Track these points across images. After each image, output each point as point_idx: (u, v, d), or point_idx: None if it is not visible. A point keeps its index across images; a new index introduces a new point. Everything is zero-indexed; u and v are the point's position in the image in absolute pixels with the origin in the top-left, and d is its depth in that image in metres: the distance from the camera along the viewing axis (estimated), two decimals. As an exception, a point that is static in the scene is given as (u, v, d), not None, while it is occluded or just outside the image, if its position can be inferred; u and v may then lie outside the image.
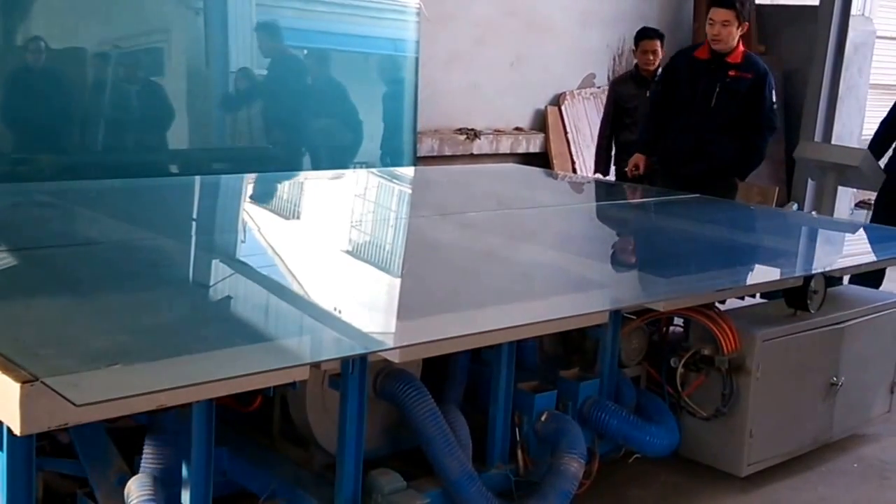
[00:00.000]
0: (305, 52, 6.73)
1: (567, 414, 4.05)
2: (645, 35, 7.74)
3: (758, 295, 4.87)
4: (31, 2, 5.57)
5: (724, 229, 5.98)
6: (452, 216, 5.48)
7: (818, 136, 9.63)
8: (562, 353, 4.47)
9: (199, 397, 2.88)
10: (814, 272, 4.58)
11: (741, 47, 6.36)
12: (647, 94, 7.32)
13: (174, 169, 6.15)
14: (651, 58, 7.59)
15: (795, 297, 4.58)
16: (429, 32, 7.76)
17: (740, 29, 6.23)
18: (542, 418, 3.96)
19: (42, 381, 2.44)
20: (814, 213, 8.02)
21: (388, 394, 3.61)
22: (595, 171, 8.08)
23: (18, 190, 5.39)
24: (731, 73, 6.27)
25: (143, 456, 3.42)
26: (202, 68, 6.25)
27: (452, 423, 3.69)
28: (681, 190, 6.34)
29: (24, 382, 2.43)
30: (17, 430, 2.48)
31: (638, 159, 6.80)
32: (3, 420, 2.59)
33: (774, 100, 6.38)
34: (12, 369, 2.51)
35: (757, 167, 6.70)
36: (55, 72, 5.65)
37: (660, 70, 7.33)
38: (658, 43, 7.67)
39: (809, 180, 9.32)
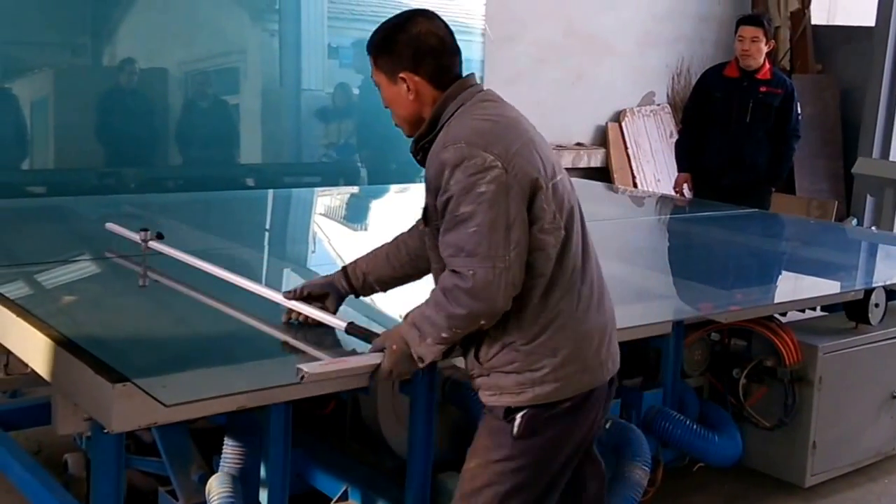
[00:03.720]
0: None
1: (631, 422, 4.06)
2: None
3: (818, 308, 4.87)
4: (120, 27, 5.74)
5: (784, 243, 6.01)
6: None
7: (876, 153, 9.59)
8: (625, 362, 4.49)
9: (277, 399, 2.95)
10: (875, 285, 4.60)
11: (768, 64, 6.57)
12: None
13: (249, 182, 6.29)
14: None
15: (856, 310, 4.60)
16: (493, 52, 7.85)
17: (767, 46, 6.47)
18: (607, 426, 3.93)
19: (133, 382, 2.53)
20: (874, 228, 7.99)
21: (457, 399, 3.64)
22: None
23: (107, 202, 5.51)
24: (763, 88, 6.46)
25: (223, 455, 3.51)
26: (276, 87, 6.37)
27: (518, 428, 3.74)
28: (717, 201, 6.46)
29: (116, 383, 2.53)
30: (109, 428, 2.58)
31: (685, 178, 6.85)
32: (95, 418, 2.71)
33: (799, 111, 6.62)
34: (105, 371, 2.61)
35: (786, 174, 6.88)
36: (140, 91, 5.82)
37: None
38: None
39: (868, 196, 9.30)
